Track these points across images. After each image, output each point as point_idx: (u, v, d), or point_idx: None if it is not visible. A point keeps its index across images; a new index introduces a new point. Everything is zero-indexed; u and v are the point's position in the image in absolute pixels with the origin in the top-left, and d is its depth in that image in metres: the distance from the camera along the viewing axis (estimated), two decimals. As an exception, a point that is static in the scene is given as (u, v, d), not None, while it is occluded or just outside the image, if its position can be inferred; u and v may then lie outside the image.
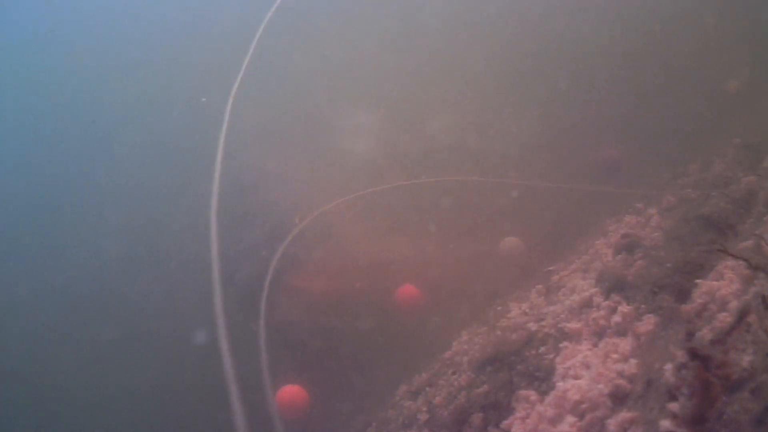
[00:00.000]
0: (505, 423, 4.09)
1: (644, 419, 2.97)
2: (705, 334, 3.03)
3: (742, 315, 2.82)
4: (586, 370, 3.87)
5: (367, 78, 11.26)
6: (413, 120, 10.22)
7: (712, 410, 2.42)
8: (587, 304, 4.76)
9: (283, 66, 12.02)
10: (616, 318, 4.22)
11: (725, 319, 3.04)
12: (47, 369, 11.34)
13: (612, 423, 3.18)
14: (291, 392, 6.61)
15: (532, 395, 4.12)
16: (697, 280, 3.85)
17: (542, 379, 4.23)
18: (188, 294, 8.88)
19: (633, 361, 3.64)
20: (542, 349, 4.57)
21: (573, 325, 4.55)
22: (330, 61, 12.08)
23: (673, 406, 2.57)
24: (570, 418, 3.50)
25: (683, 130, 8.04)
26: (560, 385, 3.87)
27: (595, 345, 4.17)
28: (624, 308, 4.26)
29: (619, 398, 3.39)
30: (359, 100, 10.79)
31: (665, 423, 2.57)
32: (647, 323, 3.94)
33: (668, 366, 2.89)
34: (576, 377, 3.86)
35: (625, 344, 3.87)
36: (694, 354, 2.54)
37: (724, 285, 3.49)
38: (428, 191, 8.76)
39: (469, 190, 8.66)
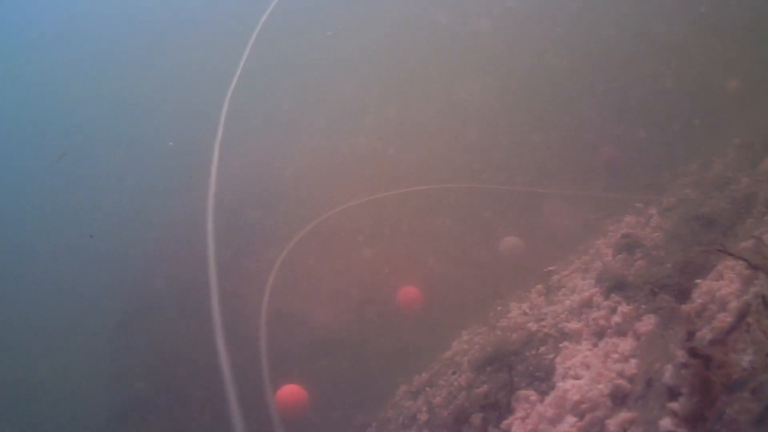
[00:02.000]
0: (505, 423, 4.08)
1: (644, 419, 2.96)
2: (705, 334, 3.03)
3: (742, 315, 2.82)
4: (586, 370, 3.86)
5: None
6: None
7: (712, 410, 2.42)
8: (587, 304, 4.76)
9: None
10: (616, 318, 4.22)
11: (725, 319, 3.04)
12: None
13: (612, 423, 3.17)
14: (291, 392, 6.60)
15: (532, 395, 4.12)
16: (697, 280, 3.85)
17: (542, 379, 4.23)
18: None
19: (633, 361, 3.63)
20: (542, 349, 4.57)
21: (573, 325, 4.55)
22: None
23: (673, 406, 2.57)
24: (570, 418, 3.50)
25: (683, 130, 8.04)
26: (560, 385, 3.87)
27: (595, 345, 4.17)
28: (624, 308, 4.26)
29: (619, 398, 3.39)
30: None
31: (665, 423, 2.56)
32: (647, 323, 3.94)
33: (668, 366, 2.89)
34: (576, 377, 3.86)
35: (625, 344, 3.87)
36: (694, 354, 2.54)
37: (724, 285, 3.49)
38: (429, 198, 8.80)
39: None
